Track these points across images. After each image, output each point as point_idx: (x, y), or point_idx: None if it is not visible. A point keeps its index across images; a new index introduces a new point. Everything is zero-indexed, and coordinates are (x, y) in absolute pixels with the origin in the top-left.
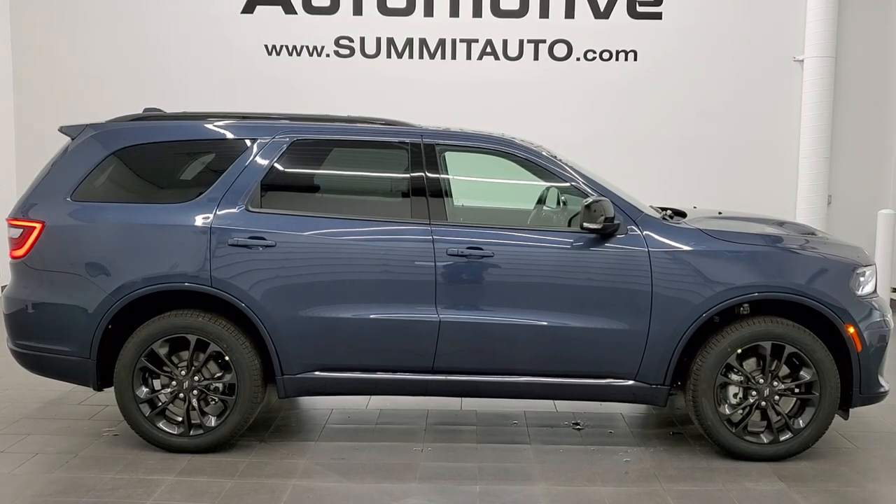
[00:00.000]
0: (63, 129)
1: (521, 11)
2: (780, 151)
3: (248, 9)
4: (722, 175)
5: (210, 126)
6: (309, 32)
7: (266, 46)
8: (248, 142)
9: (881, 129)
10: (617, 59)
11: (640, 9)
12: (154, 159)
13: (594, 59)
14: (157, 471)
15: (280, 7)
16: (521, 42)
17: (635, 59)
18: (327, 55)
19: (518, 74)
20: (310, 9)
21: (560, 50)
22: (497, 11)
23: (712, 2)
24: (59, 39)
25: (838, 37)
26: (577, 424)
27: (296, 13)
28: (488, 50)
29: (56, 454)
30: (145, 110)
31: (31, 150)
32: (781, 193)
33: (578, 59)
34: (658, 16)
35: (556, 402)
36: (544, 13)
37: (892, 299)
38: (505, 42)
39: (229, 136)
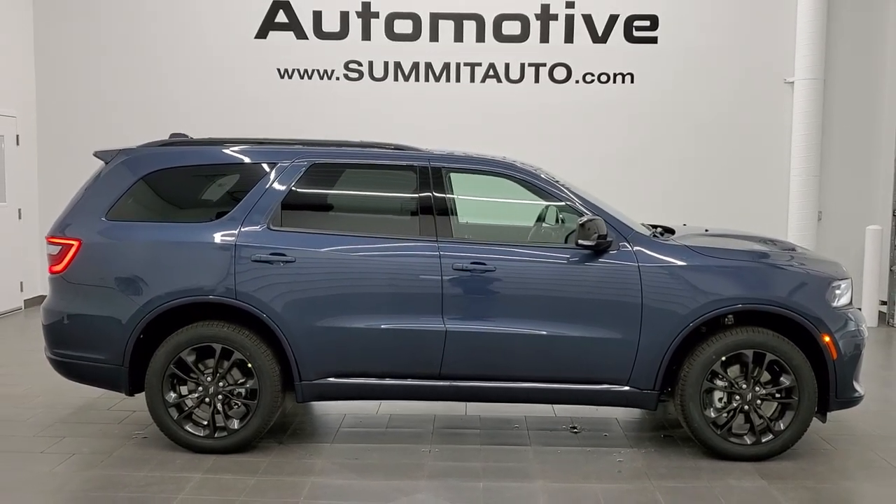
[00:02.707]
0: (97, 154)
1: (523, 37)
2: (771, 169)
3: (262, 34)
4: (716, 192)
5: (234, 151)
6: (320, 56)
7: (279, 70)
8: (269, 165)
9: (868, 147)
10: (614, 82)
11: (636, 34)
12: (182, 182)
13: (592, 81)
14: (185, 469)
15: (292, 33)
16: (523, 65)
17: (632, 82)
18: (337, 78)
19: (519, 96)
20: (320, 34)
21: (560, 73)
22: (499, 37)
23: (706, 27)
24: (80, 65)
25: (827, 60)
26: (575, 428)
27: (307, 38)
28: (491, 73)
29: (91, 454)
30: (171, 135)
31: (53, 170)
32: (773, 210)
33: (577, 82)
34: (654, 40)
35: (555, 406)
36: (544, 38)
37: (880, 311)
38: (507, 65)
39: (252, 160)
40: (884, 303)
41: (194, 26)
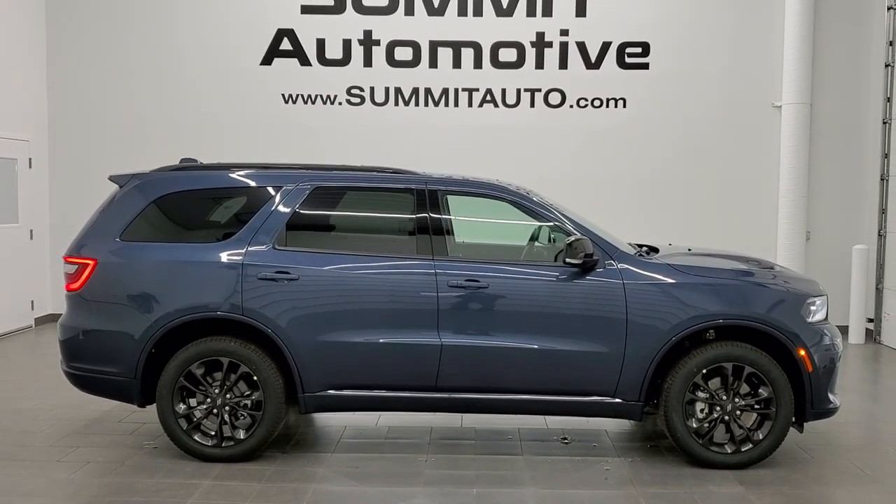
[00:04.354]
0: (112, 178)
1: (519, 63)
2: (761, 191)
3: (267, 61)
4: (706, 214)
5: (241, 175)
6: (323, 82)
7: (283, 95)
8: (274, 189)
9: (855, 169)
10: (607, 106)
11: (628, 60)
12: (192, 204)
13: (586, 106)
14: (194, 476)
15: (296, 59)
16: (519, 91)
17: (624, 106)
18: (340, 103)
19: (516, 120)
20: (324, 61)
21: (554, 98)
22: (496, 63)
23: (696, 52)
24: (90, 91)
25: (814, 84)
26: (565, 439)
27: (311, 65)
28: (488, 98)
29: (105, 463)
30: (181, 160)
31: (64, 192)
32: (763, 230)
33: (571, 106)
34: (645, 66)
35: (547, 419)
36: (539, 65)
37: (867, 329)
38: (504, 91)
39: (258, 184)
40: (870, 320)
41: (202, 53)
